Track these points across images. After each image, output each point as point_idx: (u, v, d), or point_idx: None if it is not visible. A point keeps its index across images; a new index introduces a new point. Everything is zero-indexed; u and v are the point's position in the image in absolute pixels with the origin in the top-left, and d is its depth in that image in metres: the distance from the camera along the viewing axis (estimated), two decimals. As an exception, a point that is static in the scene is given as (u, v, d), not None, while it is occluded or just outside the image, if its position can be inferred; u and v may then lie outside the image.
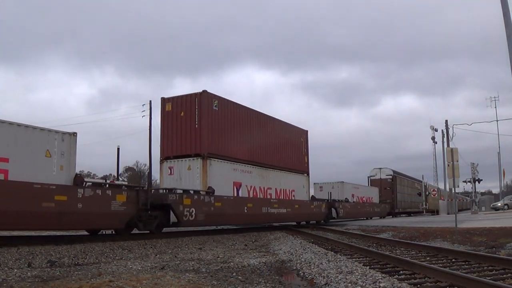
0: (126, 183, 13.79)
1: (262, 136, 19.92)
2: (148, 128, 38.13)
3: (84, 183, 11.36)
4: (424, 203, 48.15)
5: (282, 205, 20.21)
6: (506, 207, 41.06)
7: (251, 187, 18.49)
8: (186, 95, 16.76)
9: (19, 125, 10.22)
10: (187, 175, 15.98)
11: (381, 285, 5.53)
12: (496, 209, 41.79)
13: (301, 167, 23.36)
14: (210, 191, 15.56)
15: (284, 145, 21.83)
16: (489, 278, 5.97)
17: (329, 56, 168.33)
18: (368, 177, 42.24)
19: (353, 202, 30.32)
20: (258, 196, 18.93)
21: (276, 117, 21.76)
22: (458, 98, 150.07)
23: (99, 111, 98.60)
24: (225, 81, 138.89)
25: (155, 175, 35.40)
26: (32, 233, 13.28)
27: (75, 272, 7.18)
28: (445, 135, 43.67)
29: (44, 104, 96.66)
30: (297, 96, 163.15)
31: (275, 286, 6.21)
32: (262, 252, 11.00)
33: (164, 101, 17.11)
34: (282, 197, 20.88)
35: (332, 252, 9.75)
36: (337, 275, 6.46)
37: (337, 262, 7.76)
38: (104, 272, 7.16)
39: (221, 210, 15.73)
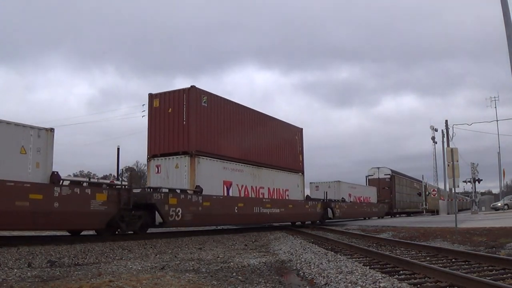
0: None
1: (254, 134, 19.41)
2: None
3: (61, 181, 10.91)
4: (424, 203, 48.13)
5: (275, 205, 19.70)
6: (506, 207, 41.06)
7: (242, 186, 18.05)
8: (174, 91, 16.31)
9: None
10: (174, 174, 15.56)
11: (381, 285, 5.53)
12: (496, 209, 41.80)
13: (296, 166, 22.87)
14: (198, 190, 15.13)
15: (278, 143, 21.29)
16: (489, 278, 5.97)
17: (329, 56, 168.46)
18: (366, 176, 41.87)
19: (350, 202, 29.78)
20: (250, 196, 18.45)
21: (271, 115, 21.31)
22: (458, 98, 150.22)
23: (99, 111, 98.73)
24: (225, 81, 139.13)
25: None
26: (32, 233, 13.27)
27: (75, 272, 7.18)
28: (445, 135, 43.69)
29: (44, 104, 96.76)
30: (297, 96, 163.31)
31: (275, 286, 6.21)
32: (262, 252, 11.00)
33: (151, 97, 16.63)
34: (276, 197, 20.36)
35: (332, 252, 9.75)
36: (337, 275, 6.45)
37: (337, 262, 7.76)
38: (104, 272, 7.16)
39: (210, 210, 15.26)
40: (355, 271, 6.59)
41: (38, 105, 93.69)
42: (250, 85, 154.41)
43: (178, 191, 14.62)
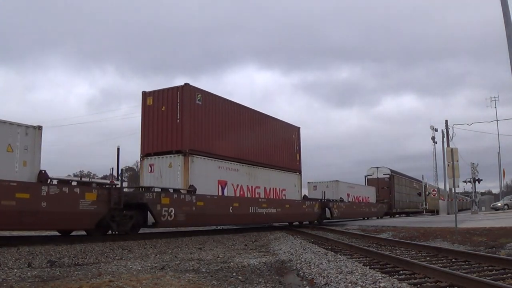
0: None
1: (250, 133, 19.08)
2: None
3: (49, 180, 10.69)
4: (424, 203, 48.12)
5: (272, 205, 19.37)
6: (506, 207, 41.07)
7: (237, 185, 17.73)
8: (168, 89, 16.03)
9: None
10: (168, 173, 15.32)
11: (381, 285, 5.53)
12: (496, 209, 41.81)
13: (293, 165, 22.53)
14: (191, 190, 14.89)
15: (274, 142, 20.96)
16: (489, 278, 5.97)
17: (329, 56, 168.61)
18: (365, 176, 41.72)
19: (348, 202, 29.55)
20: (246, 196, 18.14)
21: (269, 114, 21.05)
22: (458, 98, 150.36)
23: (99, 111, 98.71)
24: (226, 81, 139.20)
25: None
26: (32, 233, 13.27)
27: (75, 272, 7.18)
28: (445, 135, 43.68)
29: (44, 104, 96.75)
30: (297, 96, 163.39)
31: (275, 286, 6.21)
32: (262, 252, 11.00)
33: (145, 95, 16.35)
34: (272, 197, 20.03)
35: (332, 252, 9.75)
36: (337, 275, 6.45)
37: (337, 262, 7.76)
38: (104, 272, 7.16)
39: (204, 210, 14.99)
40: (355, 271, 6.59)
41: (38, 105, 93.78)
42: (250, 85, 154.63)
43: (171, 190, 14.39)
